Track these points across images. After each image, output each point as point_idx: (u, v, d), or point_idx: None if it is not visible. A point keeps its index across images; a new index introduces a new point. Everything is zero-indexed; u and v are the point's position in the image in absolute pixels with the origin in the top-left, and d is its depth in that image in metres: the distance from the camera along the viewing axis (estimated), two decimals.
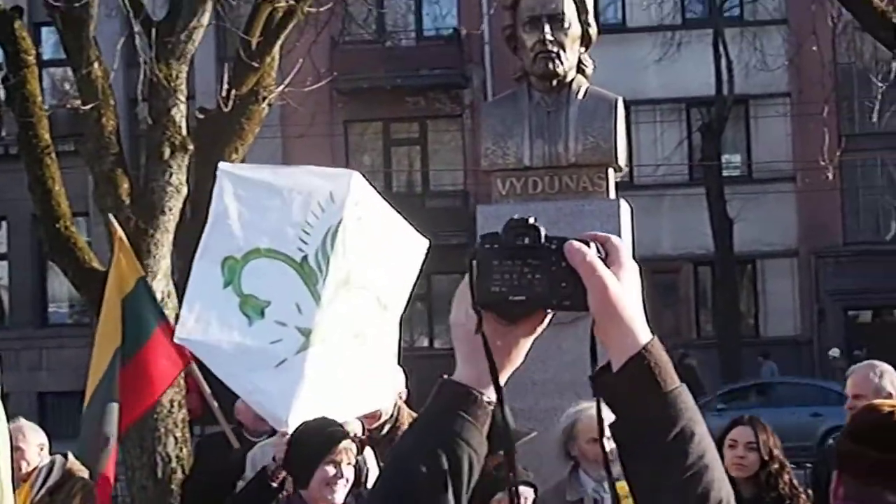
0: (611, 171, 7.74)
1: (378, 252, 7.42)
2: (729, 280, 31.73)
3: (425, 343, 33.33)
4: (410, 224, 7.61)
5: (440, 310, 31.14)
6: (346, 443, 6.06)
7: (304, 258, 7.20)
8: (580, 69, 7.71)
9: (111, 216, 9.99)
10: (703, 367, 28.07)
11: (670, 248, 32.38)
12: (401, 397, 7.67)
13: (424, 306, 32.15)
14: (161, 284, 12.36)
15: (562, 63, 7.54)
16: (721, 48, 31.32)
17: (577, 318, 6.43)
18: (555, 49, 7.49)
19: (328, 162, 32.48)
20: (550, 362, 7.44)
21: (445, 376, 2.00)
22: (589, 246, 1.88)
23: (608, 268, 1.88)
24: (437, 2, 35.05)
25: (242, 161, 13.47)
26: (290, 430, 6.81)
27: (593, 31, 7.70)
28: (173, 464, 12.11)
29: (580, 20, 7.64)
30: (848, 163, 27.42)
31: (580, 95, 7.66)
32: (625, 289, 1.88)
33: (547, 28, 7.49)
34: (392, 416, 7.47)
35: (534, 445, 6.01)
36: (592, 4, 7.73)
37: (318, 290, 7.21)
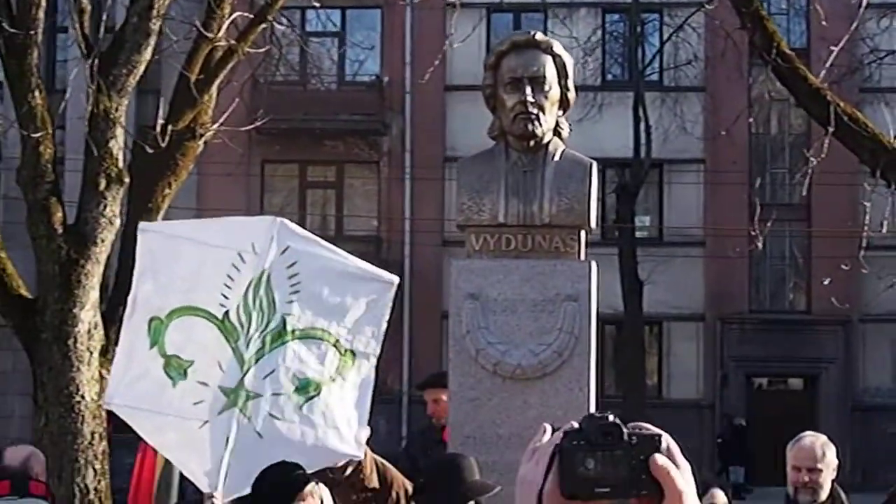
0: (582, 232, 7.84)
1: (327, 298, 7.26)
2: (636, 341, 31.97)
3: None
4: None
5: None
6: (309, 487, 6.01)
7: (226, 314, 7.07)
8: (557, 132, 7.80)
9: None
10: None
11: None
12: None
13: None
14: (89, 315, 12.27)
15: (541, 125, 7.61)
16: (641, 112, 31.70)
17: (544, 374, 6.44)
18: (535, 111, 7.56)
19: (243, 200, 32.36)
20: (516, 416, 7.56)
21: None
22: (669, 451, 2.07)
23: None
24: (359, 47, 35.01)
25: (174, 196, 13.45)
26: (218, 494, 6.78)
27: (572, 95, 7.79)
28: (91, 496, 11.98)
29: (560, 84, 7.73)
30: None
31: (556, 157, 7.73)
32: (691, 491, 2.09)
33: (528, 90, 7.56)
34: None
35: (498, 500, 6.04)
36: (573, 69, 7.83)
37: (239, 348, 7.09)
